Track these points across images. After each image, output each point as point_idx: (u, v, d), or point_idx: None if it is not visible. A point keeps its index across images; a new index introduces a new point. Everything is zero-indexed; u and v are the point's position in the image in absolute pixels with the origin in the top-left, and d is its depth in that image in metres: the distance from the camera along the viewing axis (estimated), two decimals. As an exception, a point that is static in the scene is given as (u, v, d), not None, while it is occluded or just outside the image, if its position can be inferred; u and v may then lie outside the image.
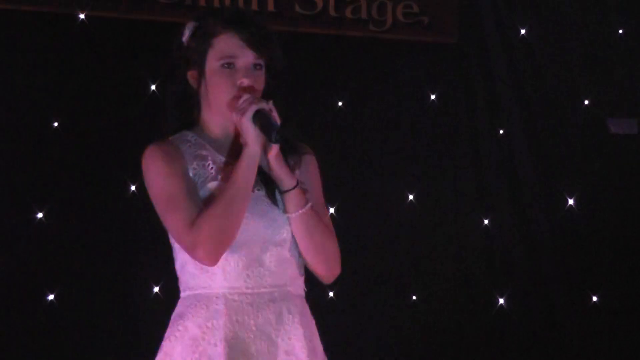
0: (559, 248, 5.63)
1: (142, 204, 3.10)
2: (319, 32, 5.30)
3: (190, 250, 2.83)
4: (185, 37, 2.95)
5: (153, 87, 4.92)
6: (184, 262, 2.93)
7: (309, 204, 2.92)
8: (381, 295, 5.35)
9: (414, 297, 5.40)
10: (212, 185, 2.90)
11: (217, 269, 2.87)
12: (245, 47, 2.89)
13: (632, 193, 5.72)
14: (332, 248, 2.97)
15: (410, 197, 5.40)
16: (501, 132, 5.59)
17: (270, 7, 5.20)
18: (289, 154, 2.97)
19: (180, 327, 2.90)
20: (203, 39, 2.93)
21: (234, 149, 2.95)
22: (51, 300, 4.79)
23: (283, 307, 2.91)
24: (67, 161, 4.85)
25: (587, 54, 5.75)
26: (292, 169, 2.95)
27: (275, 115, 2.82)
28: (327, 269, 2.99)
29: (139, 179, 2.99)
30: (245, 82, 2.88)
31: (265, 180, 2.92)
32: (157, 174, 2.90)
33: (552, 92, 5.69)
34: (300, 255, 2.96)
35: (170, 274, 3.04)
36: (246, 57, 2.90)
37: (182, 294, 2.97)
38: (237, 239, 2.85)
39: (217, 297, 2.88)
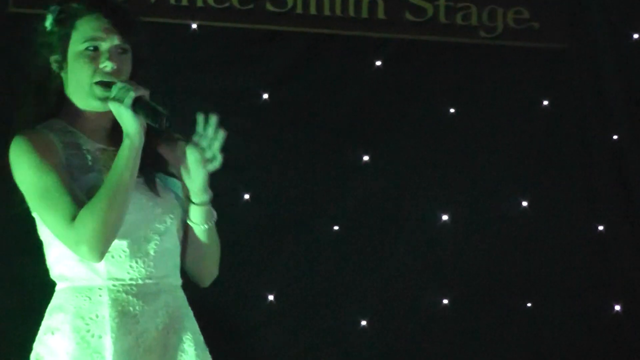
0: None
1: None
2: (429, 39, 5.30)
3: (74, 247, 2.72)
4: (48, 22, 2.85)
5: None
6: (60, 254, 2.81)
7: (215, 217, 2.84)
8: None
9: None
10: (91, 176, 2.79)
11: None
12: (111, 30, 2.78)
13: None
14: (219, 254, 2.92)
15: (524, 203, 5.37)
16: (615, 137, 5.52)
17: (381, 14, 5.22)
18: (166, 139, 2.86)
19: (61, 320, 2.79)
20: (66, 22, 2.82)
21: (111, 135, 2.86)
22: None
23: (170, 299, 2.83)
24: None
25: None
26: (167, 155, 2.85)
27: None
28: (211, 275, 2.95)
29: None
30: (109, 66, 2.77)
31: (143, 167, 2.81)
32: (29, 167, 2.75)
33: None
34: (180, 246, 2.88)
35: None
36: (111, 40, 2.78)
37: (58, 287, 2.86)
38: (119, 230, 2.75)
39: (100, 289, 2.78)
